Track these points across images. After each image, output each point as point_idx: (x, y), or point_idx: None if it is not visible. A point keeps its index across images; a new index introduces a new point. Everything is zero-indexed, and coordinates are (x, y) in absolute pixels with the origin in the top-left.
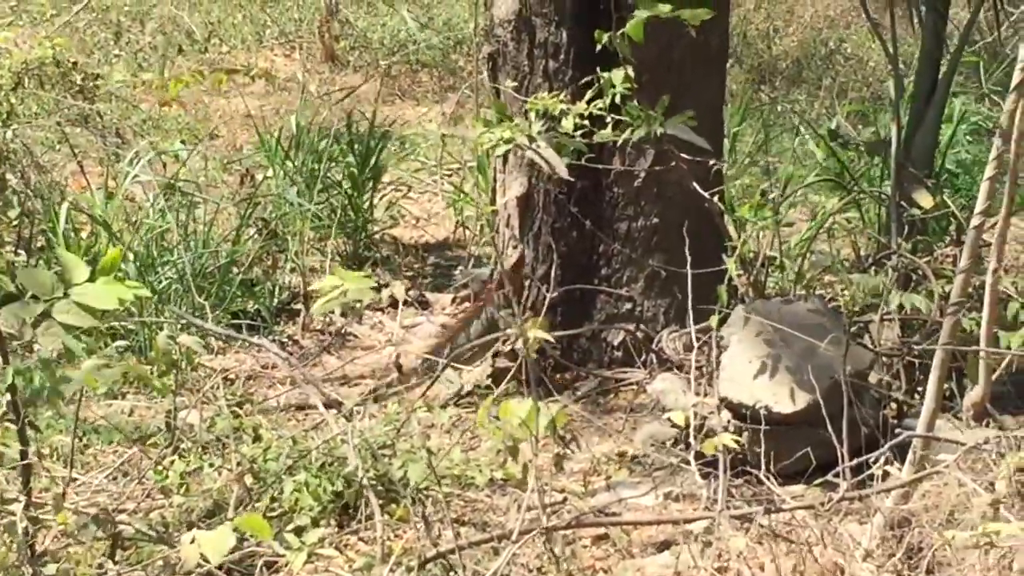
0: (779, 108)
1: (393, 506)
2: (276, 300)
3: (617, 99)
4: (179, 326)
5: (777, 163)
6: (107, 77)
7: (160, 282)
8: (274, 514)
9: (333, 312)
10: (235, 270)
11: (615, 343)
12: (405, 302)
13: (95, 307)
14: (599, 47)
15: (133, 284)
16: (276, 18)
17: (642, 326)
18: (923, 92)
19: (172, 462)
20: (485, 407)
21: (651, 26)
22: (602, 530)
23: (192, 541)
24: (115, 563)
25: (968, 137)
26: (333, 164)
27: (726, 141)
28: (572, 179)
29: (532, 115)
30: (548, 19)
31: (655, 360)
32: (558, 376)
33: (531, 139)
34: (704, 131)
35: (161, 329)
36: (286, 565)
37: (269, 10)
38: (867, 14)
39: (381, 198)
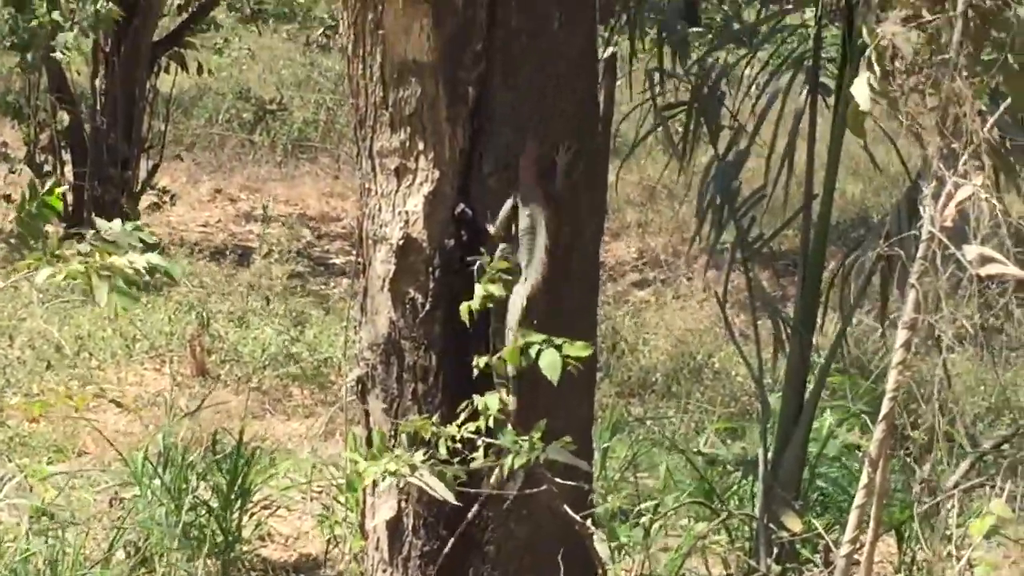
0: (648, 424)
1: None
2: None
3: (491, 423)
4: None
5: (647, 480)
6: None
7: None
8: None
9: None
10: None
11: None
12: None
13: None
14: (475, 372)
15: None
16: (147, 332)
17: None
18: (790, 411)
19: None
20: None
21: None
22: None
23: None
24: None
25: (840, 453)
26: (202, 482)
27: (597, 457)
28: (459, 504)
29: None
30: (417, 343)
31: None
32: None
33: (413, 468)
34: (574, 451)
35: None
36: None
37: (140, 323)
38: (732, 335)
39: (250, 517)
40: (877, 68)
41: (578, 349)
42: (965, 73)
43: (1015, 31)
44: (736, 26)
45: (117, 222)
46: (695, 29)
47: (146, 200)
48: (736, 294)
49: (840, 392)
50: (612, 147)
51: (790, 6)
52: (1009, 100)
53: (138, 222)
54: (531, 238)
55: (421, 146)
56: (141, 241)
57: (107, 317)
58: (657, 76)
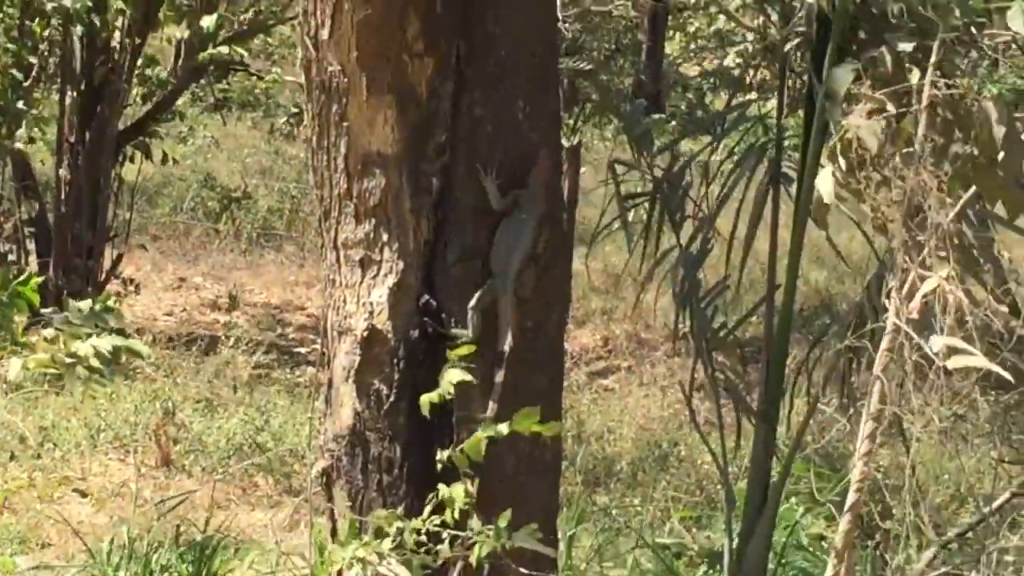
0: (614, 513)
1: None
2: None
3: (456, 514)
4: None
5: (613, 570)
6: None
7: None
8: None
9: None
10: None
11: None
12: None
13: None
14: (439, 464)
15: None
16: (111, 421)
17: None
18: (755, 500)
19: None
20: None
21: None
22: None
23: None
24: None
25: (806, 543)
26: (166, 574)
27: (562, 548)
28: None
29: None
30: (382, 434)
31: None
32: None
33: (381, 556)
34: (538, 540)
35: None
36: None
37: (104, 413)
38: (696, 425)
39: None
40: (842, 160)
41: (546, 427)
42: (931, 166)
43: (980, 124)
44: (700, 114)
45: (87, 302)
46: (658, 116)
47: (110, 290)
48: (701, 381)
49: (805, 480)
50: (576, 234)
51: (754, 95)
52: (971, 192)
53: (109, 302)
54: (508, 248)
55: (385, 237)
56: (109, 314)
57: (72, 407)
58: (619, 167)
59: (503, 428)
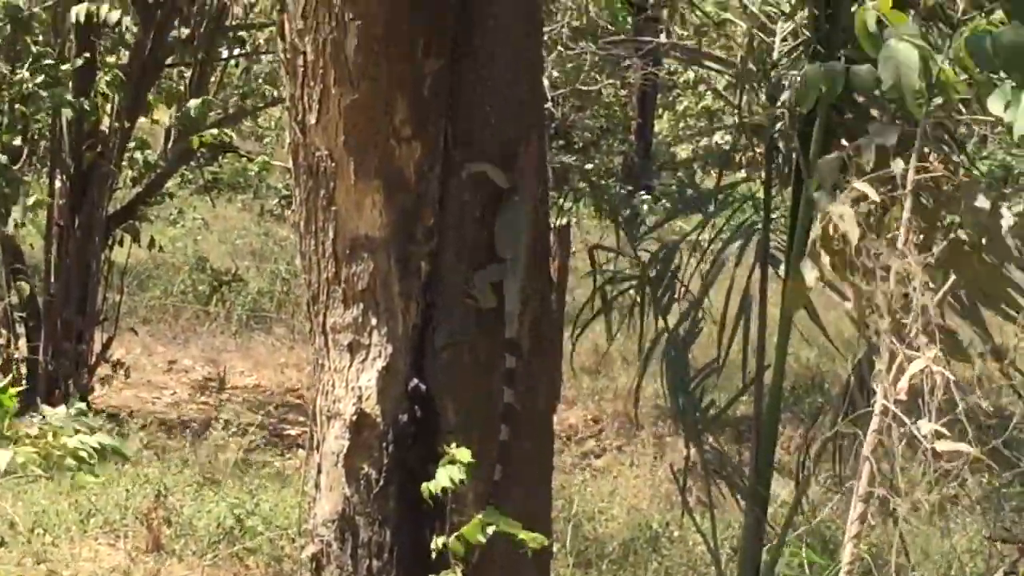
0: None
1: None
2: None
3: None
4: None
5: None
6: None
7: None
8: None
9: None
10: None
11: None
12: None
13: None
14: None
15: None
16: (102, 506)
17: None
18: None
19: None
20: None
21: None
22: None
23: None
24: None
25: None
26: None
27: None
28: None
29: None
30: (371, 519)
31: None
32: None
33: None
34: None
35: None
36: None
37: (95, 498)
38: (686, 507)
39: None
40: (824, 254)
41: (533, 540)
42: (916, 251)
43: (963, 210)
44: (689, 191)
45: (62, 408)
46: (646, 196)
47: (100, 373)
48: (693, 460)
49: (798, 560)
50: (566, 315)
51: (743, 173)
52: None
53: (81, 405)
54: (512, 232)
55: (374, 321)
56: (85, 422)
57: (62, 492)
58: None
59: (490, 530)
